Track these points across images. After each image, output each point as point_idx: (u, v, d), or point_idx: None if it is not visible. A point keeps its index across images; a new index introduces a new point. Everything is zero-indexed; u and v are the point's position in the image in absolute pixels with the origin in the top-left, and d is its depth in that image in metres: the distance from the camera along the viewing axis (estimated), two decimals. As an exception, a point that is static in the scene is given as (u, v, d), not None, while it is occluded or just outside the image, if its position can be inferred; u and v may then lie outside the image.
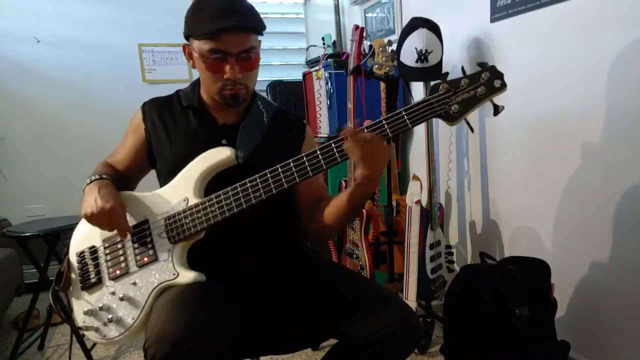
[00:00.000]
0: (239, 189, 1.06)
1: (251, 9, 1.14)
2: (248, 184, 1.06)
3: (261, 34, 1.15)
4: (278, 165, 1.05)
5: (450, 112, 0.97)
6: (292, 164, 1.04)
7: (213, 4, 1.09)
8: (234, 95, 1.14)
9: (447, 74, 1.01)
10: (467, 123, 1.01)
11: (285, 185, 1.04)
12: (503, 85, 0.96)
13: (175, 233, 1.10)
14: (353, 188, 1.09)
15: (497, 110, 1.00)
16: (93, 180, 1.15)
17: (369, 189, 1.07)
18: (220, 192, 1.08)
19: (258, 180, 1.05)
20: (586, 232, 1.67)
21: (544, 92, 1.78)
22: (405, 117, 0.98)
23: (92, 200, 1.09)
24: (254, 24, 1.12)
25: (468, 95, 0.97)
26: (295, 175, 1.03)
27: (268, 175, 1.05)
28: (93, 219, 1.09)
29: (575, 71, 1.64)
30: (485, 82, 0.96)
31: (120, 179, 1.26)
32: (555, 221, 1.80)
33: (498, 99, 0.99)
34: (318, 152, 1.03)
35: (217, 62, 1.10)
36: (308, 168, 1.03)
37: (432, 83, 1.03)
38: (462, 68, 1.02)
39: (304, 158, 1.03)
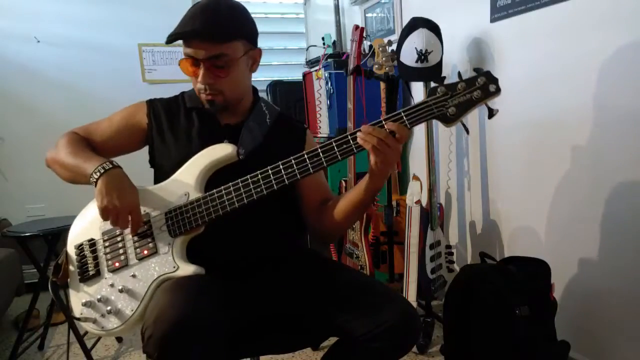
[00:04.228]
0: (240, 184, 1.08)
1: (224, 14, 1.10)
2: (249, 180, 1.08)
3: (230, 40, 1.09)
4: (279, 162, 1.06)
5: (447, 114, 1.01)
6: (293, 160, 1.06)
7: (192, 8, 1.12)
8: (209, 100, 1.16)
9: (444, 77, 1.04)
10: (463, 125, 1.06)
11: (286, 181, 1.06)
12: (497, 90, 1.01)
13: (175, 227, 1.11)
14: (368, 178, 1.10)
15: (491, 113, 1.04)
16: (106, 170, 1.08)
17: (379, 181, 1.08)
18: (222, 187, 1.09)
19: (259, 176, 1.07)
20: (586, 232, 1.67)
21: (543, 93, 1.78)
22: (404, 117, 1.02)
23: (114, 196, 1.05)
24: (215, 30, 1.08)
25: (464, 99, 1.01)
26: (297, 171, 1.06)
27: (270, 171, 1.07)
28: (111, 214, 1.06)
29: (575, 71, 1.64)
30: (480, 86, 1.01)
31: None
32: (555, 221, 1.80)
33: (493, 103, 1.03)
34: (319, 149, 1.05)
35: (191, 66, 1.13)
36: (309, 165, 1.05)
37: (430, 86, 1.08)
38: (459, 73, 1.06)
39: (305, 155, 1.06)
